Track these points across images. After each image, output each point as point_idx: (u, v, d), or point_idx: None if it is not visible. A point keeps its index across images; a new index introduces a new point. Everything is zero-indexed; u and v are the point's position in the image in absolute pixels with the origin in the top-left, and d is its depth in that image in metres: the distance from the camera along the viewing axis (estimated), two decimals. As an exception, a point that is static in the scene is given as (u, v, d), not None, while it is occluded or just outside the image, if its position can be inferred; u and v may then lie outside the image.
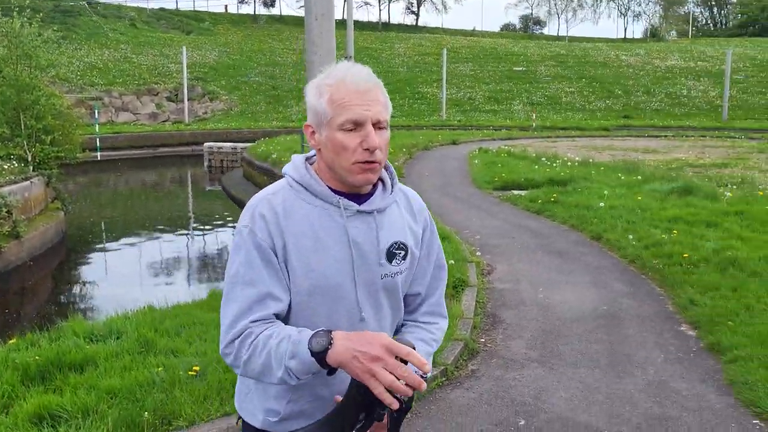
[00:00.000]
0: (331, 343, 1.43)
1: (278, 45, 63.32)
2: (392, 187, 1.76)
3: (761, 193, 10.96)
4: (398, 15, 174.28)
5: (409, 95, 49.28)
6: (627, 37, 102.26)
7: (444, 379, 4.56)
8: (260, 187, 18.49)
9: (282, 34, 69.72)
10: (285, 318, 1.63)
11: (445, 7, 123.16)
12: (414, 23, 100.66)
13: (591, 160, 17.15)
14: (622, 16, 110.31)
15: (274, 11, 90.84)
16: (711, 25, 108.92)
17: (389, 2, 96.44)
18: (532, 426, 3.93)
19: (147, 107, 40.87)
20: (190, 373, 4.14)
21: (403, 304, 1.78)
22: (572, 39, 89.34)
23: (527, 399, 4.27)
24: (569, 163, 16.44)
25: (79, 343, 4.74)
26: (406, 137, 25.77)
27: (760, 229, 8.41)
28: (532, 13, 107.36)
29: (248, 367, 1.55)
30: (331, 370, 1.46)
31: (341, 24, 27.99)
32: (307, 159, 1.76)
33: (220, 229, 15.85)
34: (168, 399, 3.84)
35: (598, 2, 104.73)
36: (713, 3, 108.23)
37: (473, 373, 4.70)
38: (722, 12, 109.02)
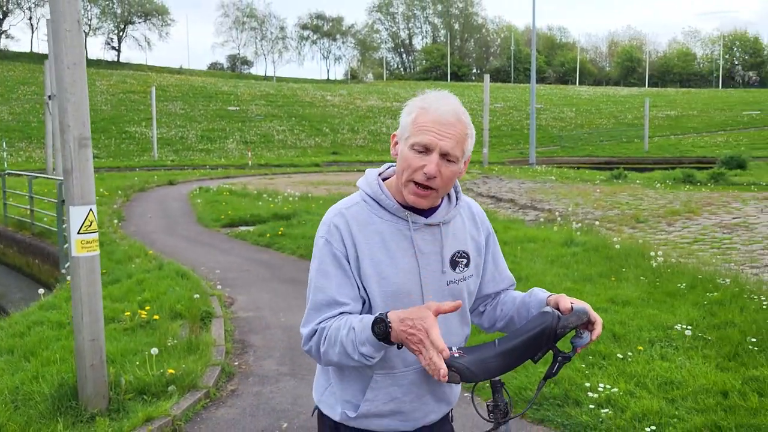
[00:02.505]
0: (390, 327, 1.65)
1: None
2: (457, 200, 1.97)
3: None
4: (97, 50, 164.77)
5: (115, 134, 47.24)
6: (330, 78, 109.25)
7: (207, 400, 4.89)
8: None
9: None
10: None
11: (149, 44, 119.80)
12: (116, 59, 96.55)
13: (310, 195, 18.36)
14: (325, 59, 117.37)
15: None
16: (402, 69, 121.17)
17: (86, 37, 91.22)
18: (294, 426, 4.48)
19: None
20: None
21: (468, 310, 2.01)
22: (280, 79, 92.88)
23: (286, 406, 4.81)
24: (290, 198, 17.41)
25: None
26: (118, 179, 24.86)
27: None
28: (239, 53, 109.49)
29: (328, 357, 1.79)
30: (399, 345, 1.67)
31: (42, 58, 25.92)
32: (380, 174, 1.95)
33: None
34: None
35: (302, 45, 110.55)
36: (402, 50, 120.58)
37: (233, 392, 5.10)
38: (410, 58, 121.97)
